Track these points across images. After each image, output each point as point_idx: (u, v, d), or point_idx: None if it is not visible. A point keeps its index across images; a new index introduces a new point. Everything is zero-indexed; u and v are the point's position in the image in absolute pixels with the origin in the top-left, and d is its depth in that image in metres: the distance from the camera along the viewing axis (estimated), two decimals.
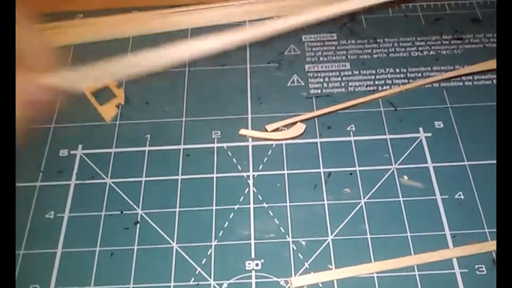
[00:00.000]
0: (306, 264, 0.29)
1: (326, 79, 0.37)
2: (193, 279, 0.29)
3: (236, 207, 0.31)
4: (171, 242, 0.30)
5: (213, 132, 0.35)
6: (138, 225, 0.31)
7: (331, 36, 0.40)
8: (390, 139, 0.34)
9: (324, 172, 0.33)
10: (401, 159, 0.33)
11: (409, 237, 0.30)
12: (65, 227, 0.31)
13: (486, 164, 0.32)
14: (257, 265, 0.29)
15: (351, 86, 0.37)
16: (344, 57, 0.39)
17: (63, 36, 0.40)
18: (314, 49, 0.39)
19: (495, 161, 0.32)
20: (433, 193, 0.31)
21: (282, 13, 0.42)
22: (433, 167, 0.33)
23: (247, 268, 0.29)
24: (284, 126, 0.35)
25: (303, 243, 0.30)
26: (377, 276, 0.28)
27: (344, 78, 0.37)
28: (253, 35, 0.23)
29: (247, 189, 0.32)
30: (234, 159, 0.33)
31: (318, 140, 0.34)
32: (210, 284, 0.29)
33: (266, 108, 0.36)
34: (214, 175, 0.33)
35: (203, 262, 0.29)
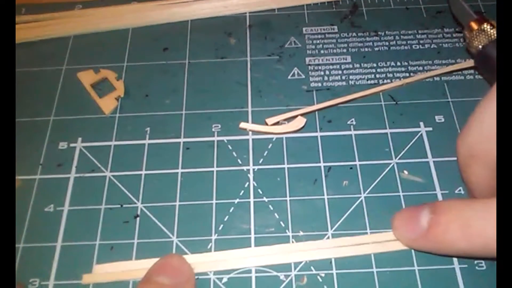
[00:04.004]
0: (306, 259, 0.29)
1: (327, 72, 0.37)
2: None
3: (236, 201, 0.31)
4: (171, 236, 0.30)
5: (213, 125, 0.35)
6: (138, 218, 0.31)
7: (332, 28, 0.40)
8: (390, 133, 0.34)
9: (324, 166, 0.33)
10: (401, 154, 0.33)
11: None
12: (64, 220, 0.31)
13: None
14: None
15: (351, 80, 0.37)
16: (345, 50, 0.38)
17: (62, 27, 0.40)
18: (314, 41, 0.39)
19: None
20: (433, 188, 0.31)
21: (282, 5, 0.41)
22: (434, 161, 0.33)
23: None
24: (285, 119, 0.35)
25: (303, 237, 0.30)
26: (376, 271, 0.28)
27: (344, 71, 0.37)
28: None
29: (247, 183, 0.32)
30: (234, 153, 0.33)
31: (319, 134, 0.34)
32: (210, 278, 0.29)
33: (266, 101, 0.36)
34: (214, 169, 0.33)
35: None
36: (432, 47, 0.38)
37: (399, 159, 0.33)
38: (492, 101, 0.26)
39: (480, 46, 0.32)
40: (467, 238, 0.25)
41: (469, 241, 0.25)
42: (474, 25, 0.32)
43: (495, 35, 0.31)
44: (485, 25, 0.32)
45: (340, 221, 0.30)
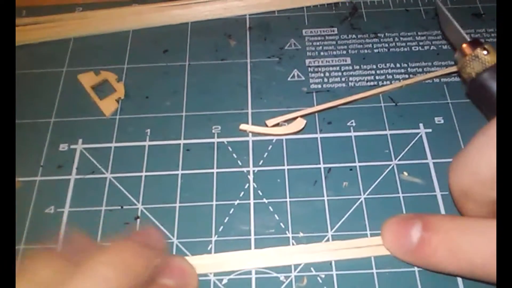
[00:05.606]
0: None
1: (327, 74, 0.37)
2: None
3: (236, 202, 0.31)
4: (171, 237, 0.30)
5: (213, 127, 0.35)
6: (138, 220, 0.31)
7: (332, 30, 0.40)
8: (390, 134, 0.34)
9: (324, 167, 0.33)
10: (401, 155, 0.33)
11: None
12: (65, 222, 0.31)
13: None
14: None
15: (351, 81, 0.37)
16: (344, 52, 0.38)
17: (62, 29, 0.40)
18: (314, 43, 0.39)
19: None
20: (433, 189, 0.31)
21: (282, 7, 0.41)
22: (433, 163, 0.33)
23: None
24: (285, 121, 0.35)
25: (303, 239, 0.30)
26: (376, 272, 0.28)
27: (344, 73, 0.37)
28: None
29: (247, 185, 0.32)
30: (234, 154, 0.33)
31: (318, 135, 0.34)
32: (210, 280, 0.29)
33: (266, 103, 0.36)
34: (214, 170, 0.33)
35: None
36: (431, 49, 0.38)
37: (399, 160, 0.33)
38: (487, 139, 0.25)
39: (473, 74, 0.30)
40: (455, 261, 0.25)
41: (457, 265, 0.25)
42: (467, 50, 0.30)
43: (490, 62, 0.29)
44: (478, 51, 0.29)
45: (340, 222, 0.30)
